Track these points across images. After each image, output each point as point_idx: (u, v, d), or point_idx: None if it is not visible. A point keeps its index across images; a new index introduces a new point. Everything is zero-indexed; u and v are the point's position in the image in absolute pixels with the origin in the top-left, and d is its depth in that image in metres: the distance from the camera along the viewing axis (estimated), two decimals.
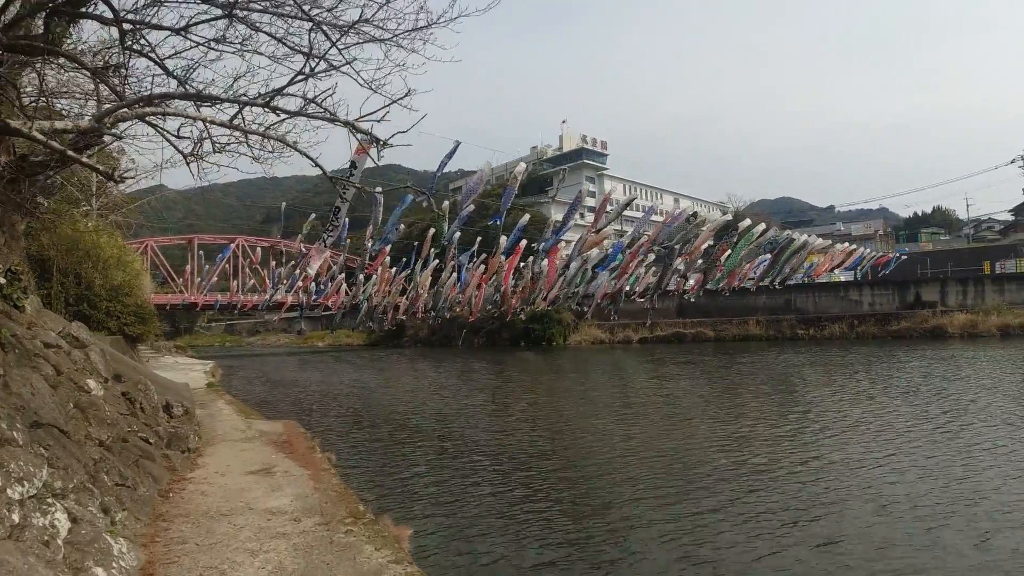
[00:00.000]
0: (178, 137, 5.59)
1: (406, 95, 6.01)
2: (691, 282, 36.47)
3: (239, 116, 5.60)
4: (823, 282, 50.07)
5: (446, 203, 24.59)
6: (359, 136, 8.26)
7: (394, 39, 6.24)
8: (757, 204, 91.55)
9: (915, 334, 43.44)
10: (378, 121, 6.13)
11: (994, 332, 40.93)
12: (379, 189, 21.19)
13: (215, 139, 6.02)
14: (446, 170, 20.58)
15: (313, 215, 32.47)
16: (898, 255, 45.76)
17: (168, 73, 6.10)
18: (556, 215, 65.05)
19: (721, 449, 12.76)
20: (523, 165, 19.82)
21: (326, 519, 6.04)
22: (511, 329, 54.66)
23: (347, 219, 29.29)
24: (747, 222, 31.63)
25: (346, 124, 6.29)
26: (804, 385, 23.57)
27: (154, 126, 5.89)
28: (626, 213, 41.02)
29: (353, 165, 15.23)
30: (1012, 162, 55.40)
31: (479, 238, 31.44)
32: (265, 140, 6.04)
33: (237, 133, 5.92)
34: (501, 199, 23.75)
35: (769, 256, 34.25)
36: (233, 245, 49.54)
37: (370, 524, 5.99)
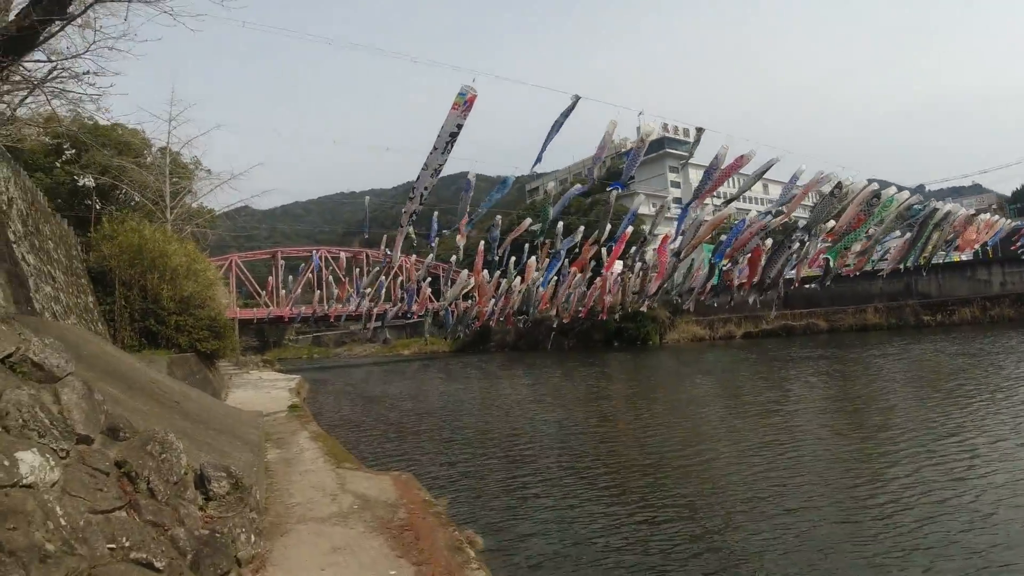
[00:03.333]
0: None
1: None
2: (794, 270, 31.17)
3: None
4: (945, 263, 43.75)
5: (552, 184, 20.38)
6: None
7: None
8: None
9: None
10: None
11: None
12: (471, 173, 16.86)
13: None
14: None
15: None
16: None
17: None
18: (643, 207, 59.95)
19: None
20: (653, 125, 15.30)
21: None
22: (603, 329, 49.86)
23: (436, 220, 25.49)
24: (892, 189, 26.03)
25: None
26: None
27: None
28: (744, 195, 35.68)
29: (450, 133, 11.27)
30: None
31: (582, 227, 27.03)
32: None
33: None
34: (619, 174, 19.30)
35: (898, 233, 28.88)
36: (317, 256, 46.40)
37: None
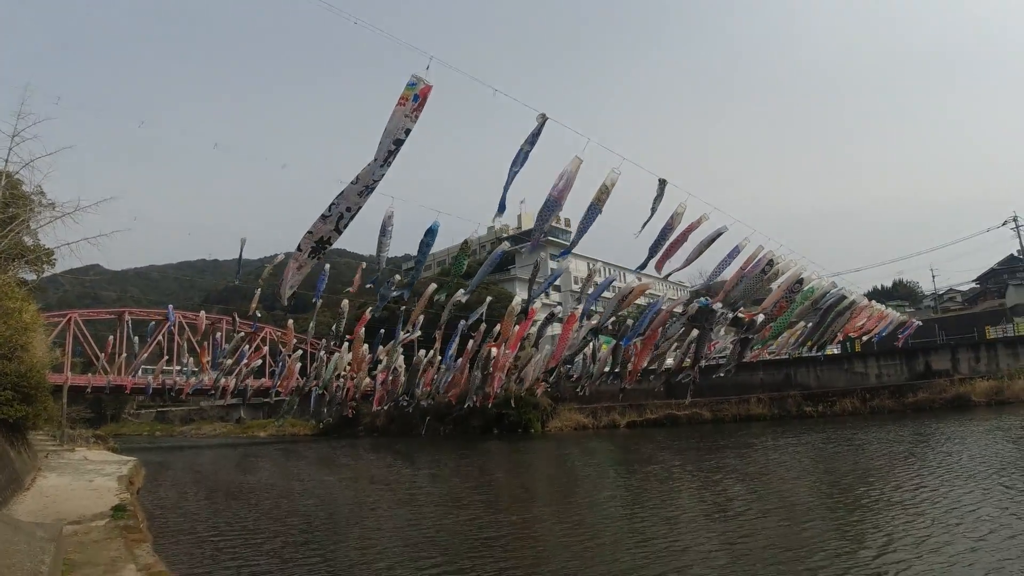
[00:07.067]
0: None
1: None
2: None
3: None
4: (823, 355, 43.54)
5: (474, 233, 16.57)
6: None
7: None
8: (718, 285, 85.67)
9: (936, 405, 37.49)
10: None
11: (1023, 397, 35.80)
12: (390, 210, 12.56)
13: None
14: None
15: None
16: (917, 323, 39.68)
17: None
18: (521, 293, 56.65)
19: None
20: (617, 173, 11.87)
21: None
22: (481, 415, 45.16)
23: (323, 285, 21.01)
24: (813, 276, 24.04)
25: None
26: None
27: None
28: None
29: (394, 140, 7.45)
30: (1004, 224, 50.20)
31: (488, 298, 23.47)
32: None
33: None
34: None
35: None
36: (172, 314, 39.71)
37: None
